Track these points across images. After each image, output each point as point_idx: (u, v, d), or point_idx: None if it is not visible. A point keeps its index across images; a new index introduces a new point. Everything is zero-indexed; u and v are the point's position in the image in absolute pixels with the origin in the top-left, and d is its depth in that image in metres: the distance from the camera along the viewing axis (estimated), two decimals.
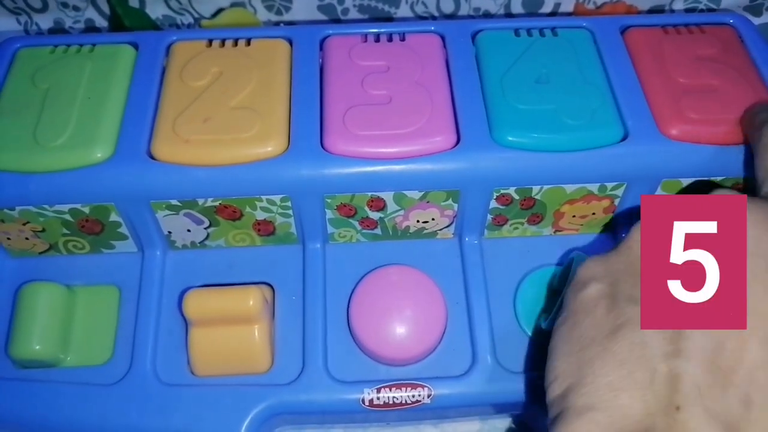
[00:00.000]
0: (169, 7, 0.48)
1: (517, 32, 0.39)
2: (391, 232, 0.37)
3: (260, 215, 0.35)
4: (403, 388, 0.34)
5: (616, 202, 0.36)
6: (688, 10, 0.48)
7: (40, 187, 0.33)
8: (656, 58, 0.37)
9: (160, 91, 0.36)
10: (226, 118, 0.35)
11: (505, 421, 0.37)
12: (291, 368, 0.34)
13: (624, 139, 0.35)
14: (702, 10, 0.48)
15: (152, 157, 0.34)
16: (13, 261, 0.38)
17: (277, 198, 0.34)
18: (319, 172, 0.33)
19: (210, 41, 0.38)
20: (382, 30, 0.39)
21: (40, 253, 0.37)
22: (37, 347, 0.34)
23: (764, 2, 0.48)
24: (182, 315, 0.34)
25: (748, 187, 0.36)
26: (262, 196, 0.34)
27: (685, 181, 0.35)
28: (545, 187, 0.35)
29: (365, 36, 0.39)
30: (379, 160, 0.34)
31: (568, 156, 0.34)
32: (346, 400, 0.34)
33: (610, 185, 0.35)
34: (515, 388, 0.34)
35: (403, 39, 0.38)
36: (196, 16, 0.49)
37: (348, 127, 0.34)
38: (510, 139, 0.34)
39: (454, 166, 0.34)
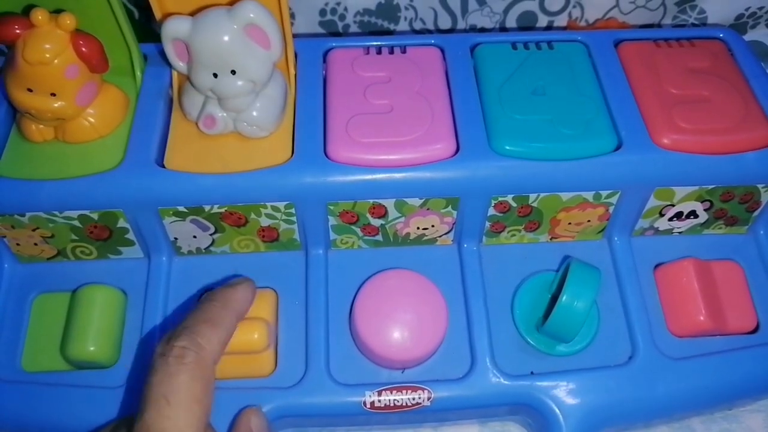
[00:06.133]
0: None
1: (514, 45, 0.40)
2: (391, 239, 0.38)
3: (265, 222, 0.36)
4: (404, 391, 0.35)
5: (611, 209, 0.37)
6: (676, 27, 0.49)
7: (51, 194, 0.34)
8: (649, 70, 0.38)
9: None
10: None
11: (503, 424, 0.38)
12: (294, 372, 0.35)
13: (618, 148, 0.36)
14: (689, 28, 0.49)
15: (161, 165, 0.35)
16: (21, 267, 0.38)
17: (281, 205, 0.35)
18: (322, 179, 0.34)
19: None
20: (384, 43, 0.40)
21: (48, 258, 0.38)
22: (92, 348, 0.35)
23: (748, 21, 0.49)
24: None
25: (737, 195, 0.37)
26: (266, 203, 0.35)
27: (678, 189, 0.36)
28: (542, 194, 0.36)
29: (367, 48, 0.40)
30: (380, 168, 0.34)
31: (563, 165, 0.35)
32: (348, 403, 0.34)
33: (604, 193, 0.36)
34: (513, 391, 0.35)
35: (404, 51, 0.40)
36: None
37: (351, 136, 0.35)
38: (507, 148, 0.35)
39: (454, 174, 0.35)
